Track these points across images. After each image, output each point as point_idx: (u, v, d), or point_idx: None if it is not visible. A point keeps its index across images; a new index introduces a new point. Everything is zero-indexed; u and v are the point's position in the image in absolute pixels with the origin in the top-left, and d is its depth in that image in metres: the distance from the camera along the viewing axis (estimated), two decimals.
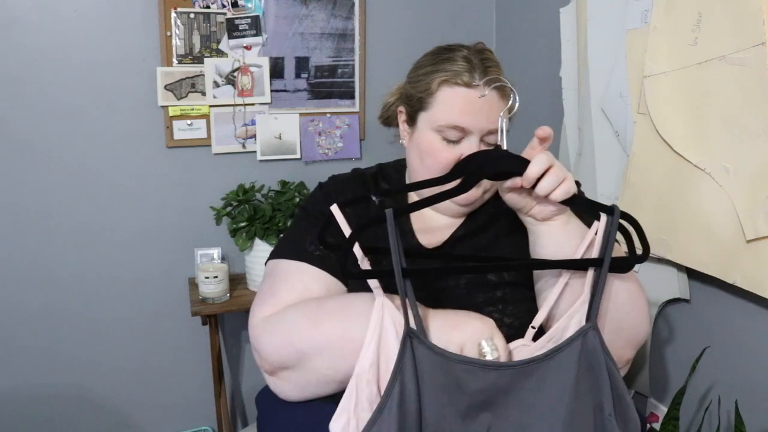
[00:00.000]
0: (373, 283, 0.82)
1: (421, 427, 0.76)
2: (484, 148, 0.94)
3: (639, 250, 0.88)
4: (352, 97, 1.97)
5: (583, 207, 0.88)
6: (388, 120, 1.10)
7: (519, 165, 0.83)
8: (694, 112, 1.22)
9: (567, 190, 0.82)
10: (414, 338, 0.77)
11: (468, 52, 0.95)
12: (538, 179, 0.82)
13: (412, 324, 0.78)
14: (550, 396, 0.79)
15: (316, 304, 0.91)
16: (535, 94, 1.83)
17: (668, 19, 1.25)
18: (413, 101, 0.98)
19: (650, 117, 1.30)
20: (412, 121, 0.99)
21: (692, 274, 1.34)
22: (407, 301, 0.78)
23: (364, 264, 0.85)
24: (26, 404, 1.82)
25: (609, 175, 1.47)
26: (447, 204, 0.96)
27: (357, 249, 0.84)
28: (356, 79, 1.96)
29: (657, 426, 1.36)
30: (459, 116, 0.92)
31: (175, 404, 1.97)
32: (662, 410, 1.44)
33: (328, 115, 1.96)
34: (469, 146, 0.93)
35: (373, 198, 0.92)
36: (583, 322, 0.83)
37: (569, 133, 1.64)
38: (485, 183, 0.97)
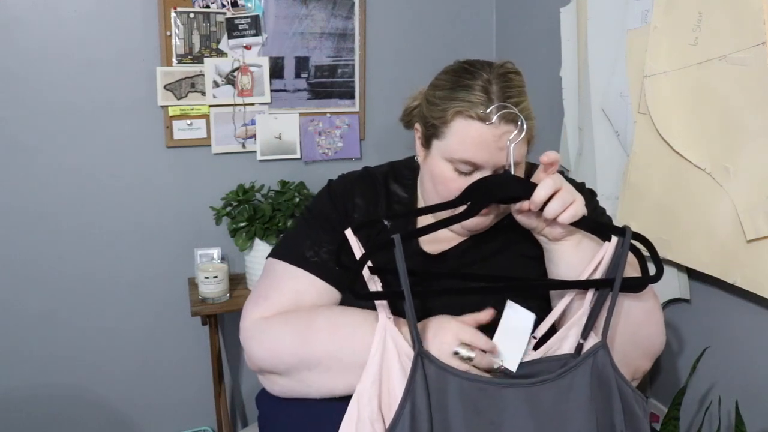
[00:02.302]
0: (379, 303, 0.84)
1: None
2: None
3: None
4: (352, 97, 1.97)
5: (592, 229, 0.89)
6: (410, 124, 1.06)
7: (526, 189, 0.84)
8: (694, 112, 1.22)
9: (574, 213, 0.83)
10: (425, 358, 0.78)
11: (489, 76, 0.90)
12: (547, 202, 0.83)
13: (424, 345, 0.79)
14: (568, 416, 0.79)
15: (307, 319, 0.91)
16: (535, 94, 1.82)
17: (668, 18, 1.25)
18: (428, 125, 0.95)
19: (650, 117, 1.30)
20: (427, 143, 0.96)
21: (692, 274, 1.34)
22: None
23: (376, 283, 0.86)
24: (26, 404, 1.82)
25: (609, 175, 1.47)
26: (456, 226, 0.96)
27: (365, 270, 0.85)
28: (356, 79, 1.96)
29: (657, 426, 1.36)
30: (472, 152, 0.89)
31: (175, 404, 1.97)
32: (662, 410, 1.44)
33: (328, 115, 1.96)
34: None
35: (386, 222, 0.92)
36: (579, 335, 0.84)
37: (569, 133, 1.63)
38: (494, 209, 0.96)
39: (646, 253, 0.90)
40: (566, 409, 0.80)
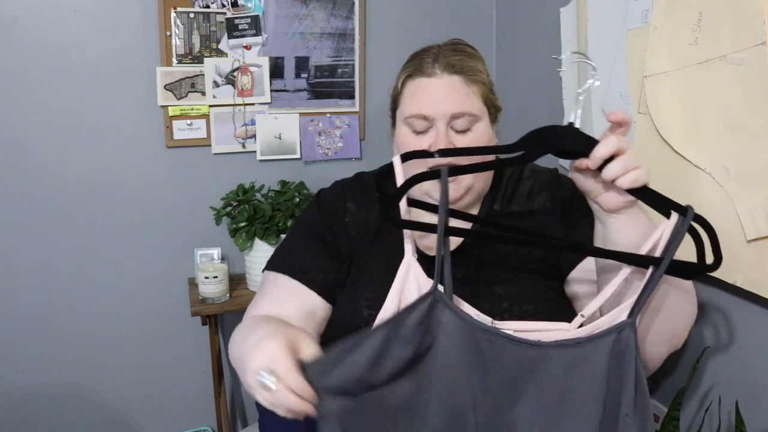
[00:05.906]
0: (408, 243, 0.83)
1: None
2: (453, 134, 0.95)
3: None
4: (352, 97, 1.97)
5: (653, 201, 0.80)
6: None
7: (587, 144, 0.78)
8: (694, 111, 1.21)
9: (635, 178, 0.76)
10: (439, 302, 0.76)
11: (438, 47, 1.01)
12: (608, 162, 0.76)
13: (441, 288, 0.77)
14: (574, 386, 0.77)
15: (251, 324, 0.92)
16: (535, 94, 1.82)
17: (668, 18, 1.25)
18: (391, 102, 1.04)
19: (650, 117, 1.30)
20: (393, 120, 1.04)
21: None
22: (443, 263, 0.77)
23: (410, 215, 0.85)
24: (26, 404, 1.82)
25: None
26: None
27: (403, 203, 0.82)
28: (356, 79, 1.96)
29: (657, 426, 1.36)
30: (420, 104, 0.96)
31: (175, 404, 1.97)
32: (662, 410, 1.44)
33: (328, 115, 1.96)
34: (436, 134, 0.94)
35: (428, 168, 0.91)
36: (627, 316, 0.78)
37: None
38: (466, 179, 0.96)
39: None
40: (574, 380, 0.77)
